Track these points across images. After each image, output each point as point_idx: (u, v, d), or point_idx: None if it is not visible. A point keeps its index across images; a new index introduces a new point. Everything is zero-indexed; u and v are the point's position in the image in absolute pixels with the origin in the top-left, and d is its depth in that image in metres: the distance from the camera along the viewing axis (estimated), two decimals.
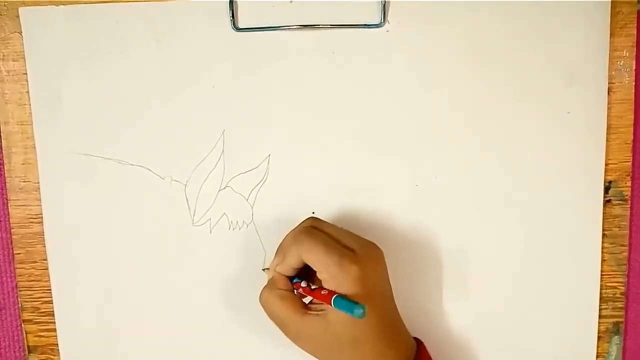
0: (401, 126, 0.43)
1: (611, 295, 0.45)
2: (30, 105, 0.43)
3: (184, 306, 0.45)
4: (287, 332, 0.38)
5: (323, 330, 0.36)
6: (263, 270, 0.43)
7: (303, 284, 0.38)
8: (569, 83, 0.42)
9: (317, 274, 0.37)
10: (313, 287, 0.37)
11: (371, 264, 0.37)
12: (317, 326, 0.37)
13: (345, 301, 0.34)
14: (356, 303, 0.34)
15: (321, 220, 0.40)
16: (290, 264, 0.38)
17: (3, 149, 0.43)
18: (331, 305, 0.35)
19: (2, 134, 0.43)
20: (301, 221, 0.40)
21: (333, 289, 0.36)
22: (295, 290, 0.39)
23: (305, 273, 0.39)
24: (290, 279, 0.39)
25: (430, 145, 0.43)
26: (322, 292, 0.36)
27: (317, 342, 0.37)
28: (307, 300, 0.39)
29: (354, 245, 0.37)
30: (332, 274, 0.36)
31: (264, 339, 0.45)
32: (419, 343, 0.41)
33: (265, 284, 0.39)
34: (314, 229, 0.39)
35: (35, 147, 0.43)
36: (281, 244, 0.39)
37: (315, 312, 0.37)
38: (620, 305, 0.45)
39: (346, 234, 0.39)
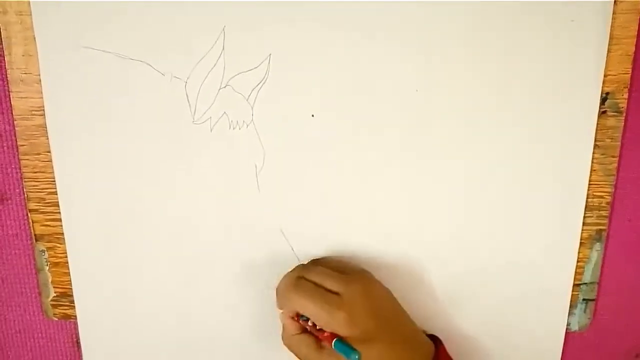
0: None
1: (597, 204, 0.46)
2: None
3: (186, 201, 0.46)
4: None
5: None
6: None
7: (310, 323, 0.41)
8: None
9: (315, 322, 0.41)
10: (318, 327, 0.41)
11: (359, 300, 0.40)
12: (333, 357, 0.40)
13: (343, 345, 0.39)
14: (352, 349, 0.38)
15: (307, 267, 0.44)
16: (290, 313, 0.43)
17: (3, 39, 0.43)
18: (332, 346, 0.39)
19: (0, 24, 0.43)
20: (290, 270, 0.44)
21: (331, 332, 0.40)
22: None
23: None
24: (300, 316, 0.42)
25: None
26: (325, 334, 0.40)
27: None
28: None
29: (339, 287, 0.41)
30: (324, 322, 0.40)
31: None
32: (437, 343, 0.44)
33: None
34: (300, 279, 0.42)
35: (35, 39, 0.43)
36: (276, 291, 0.43)
37: (328, 347, 0.41)
38: (605, 214, 0.47)
39: (330, 277, 0.41)
